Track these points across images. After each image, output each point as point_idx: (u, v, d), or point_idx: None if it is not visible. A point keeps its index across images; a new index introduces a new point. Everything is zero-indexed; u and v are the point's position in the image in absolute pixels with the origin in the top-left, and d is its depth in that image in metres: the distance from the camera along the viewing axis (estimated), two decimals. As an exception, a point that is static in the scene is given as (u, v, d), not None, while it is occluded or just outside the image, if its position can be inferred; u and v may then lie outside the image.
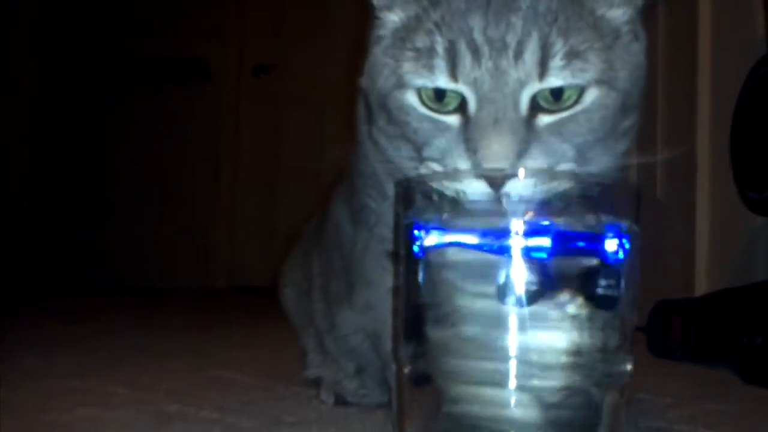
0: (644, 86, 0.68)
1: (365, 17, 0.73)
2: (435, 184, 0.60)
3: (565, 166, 0.63)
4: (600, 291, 0.58)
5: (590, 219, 0.58)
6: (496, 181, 0.59)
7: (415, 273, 0.60)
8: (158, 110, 3.84)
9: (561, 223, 0.58)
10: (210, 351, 1.64)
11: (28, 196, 3.76)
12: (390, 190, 0.77)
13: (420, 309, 0.61)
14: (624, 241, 0.57)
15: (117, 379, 1.19)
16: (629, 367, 0.60)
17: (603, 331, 0.59)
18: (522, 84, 0.61)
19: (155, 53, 3.81)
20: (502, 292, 0.56)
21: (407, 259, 0.61)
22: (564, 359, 0.57)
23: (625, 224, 0.58)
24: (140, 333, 1.95)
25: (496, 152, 0.60)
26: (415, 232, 0.59)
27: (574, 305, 0.58)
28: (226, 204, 3.92)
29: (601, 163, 0.67)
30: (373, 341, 0.90)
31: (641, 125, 0.71)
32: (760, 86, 1.50)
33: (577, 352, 0.57)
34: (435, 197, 0.59)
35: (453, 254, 0.58)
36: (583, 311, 0.58)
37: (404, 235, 0.61)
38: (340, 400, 1.00)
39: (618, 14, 0.67)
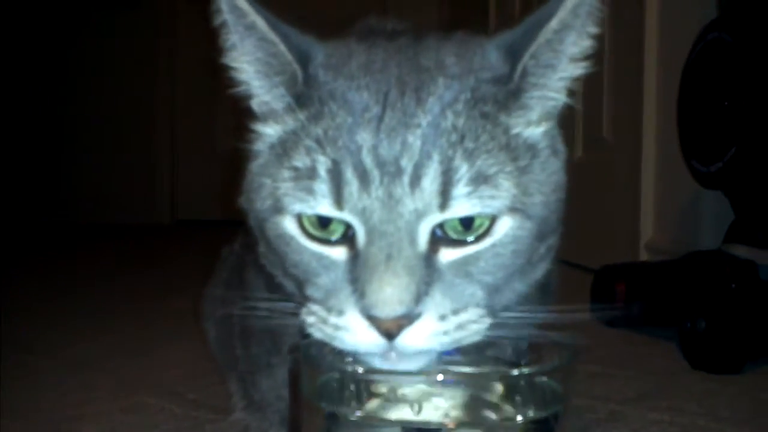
0: (563, 207, 0.60)
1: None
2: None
3: (474, 311, 0.55)
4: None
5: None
6: (389, 330, 0.52)
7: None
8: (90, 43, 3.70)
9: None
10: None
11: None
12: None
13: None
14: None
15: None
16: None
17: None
18: (420, 215, 0.53)
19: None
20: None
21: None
22: None
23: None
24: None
25: (389, 296, 0.51)
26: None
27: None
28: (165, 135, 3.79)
29: (514, 291, 0.59)
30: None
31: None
32: (709, 54, 1.41)
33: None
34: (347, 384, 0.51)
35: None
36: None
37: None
38: (270, 447, 0.95)
39: (537, 131, 0.58)
